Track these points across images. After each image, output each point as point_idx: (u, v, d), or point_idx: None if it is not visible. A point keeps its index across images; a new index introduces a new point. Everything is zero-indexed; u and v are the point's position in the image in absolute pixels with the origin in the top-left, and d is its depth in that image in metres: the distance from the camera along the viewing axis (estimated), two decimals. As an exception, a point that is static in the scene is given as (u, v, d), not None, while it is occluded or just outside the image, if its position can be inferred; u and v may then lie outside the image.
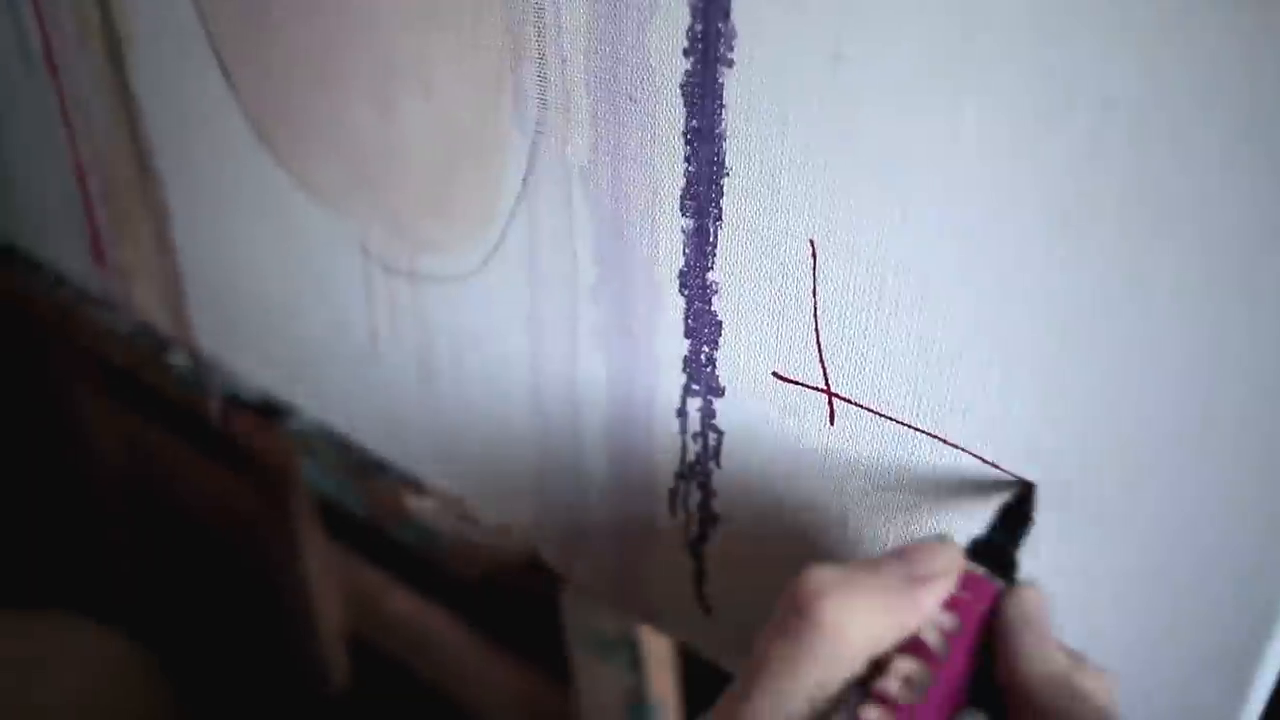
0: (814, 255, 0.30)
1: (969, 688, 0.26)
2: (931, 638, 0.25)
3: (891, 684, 0.24)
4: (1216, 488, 0.26)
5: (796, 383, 0.32)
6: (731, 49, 0.29)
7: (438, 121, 0.38)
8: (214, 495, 0.78)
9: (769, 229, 0.31)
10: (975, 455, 0.30)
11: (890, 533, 0.33)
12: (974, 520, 0.30)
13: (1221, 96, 0.23)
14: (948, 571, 0.26)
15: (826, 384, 0.32)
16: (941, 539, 0.27)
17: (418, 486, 0.46)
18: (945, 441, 0.30)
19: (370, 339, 0.45)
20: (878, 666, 0.25)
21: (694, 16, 0.29)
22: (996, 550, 0.28)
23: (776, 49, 0.28)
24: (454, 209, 0.39)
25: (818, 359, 0.31)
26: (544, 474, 0.42)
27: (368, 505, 0.48)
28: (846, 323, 0.30)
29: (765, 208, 0.30)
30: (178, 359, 0.56)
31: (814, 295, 0.31)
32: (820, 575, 0.25)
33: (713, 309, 0.33)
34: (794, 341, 0.32)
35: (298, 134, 0.44)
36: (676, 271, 0.34)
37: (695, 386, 0.35)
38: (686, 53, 0.30)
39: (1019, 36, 0.24)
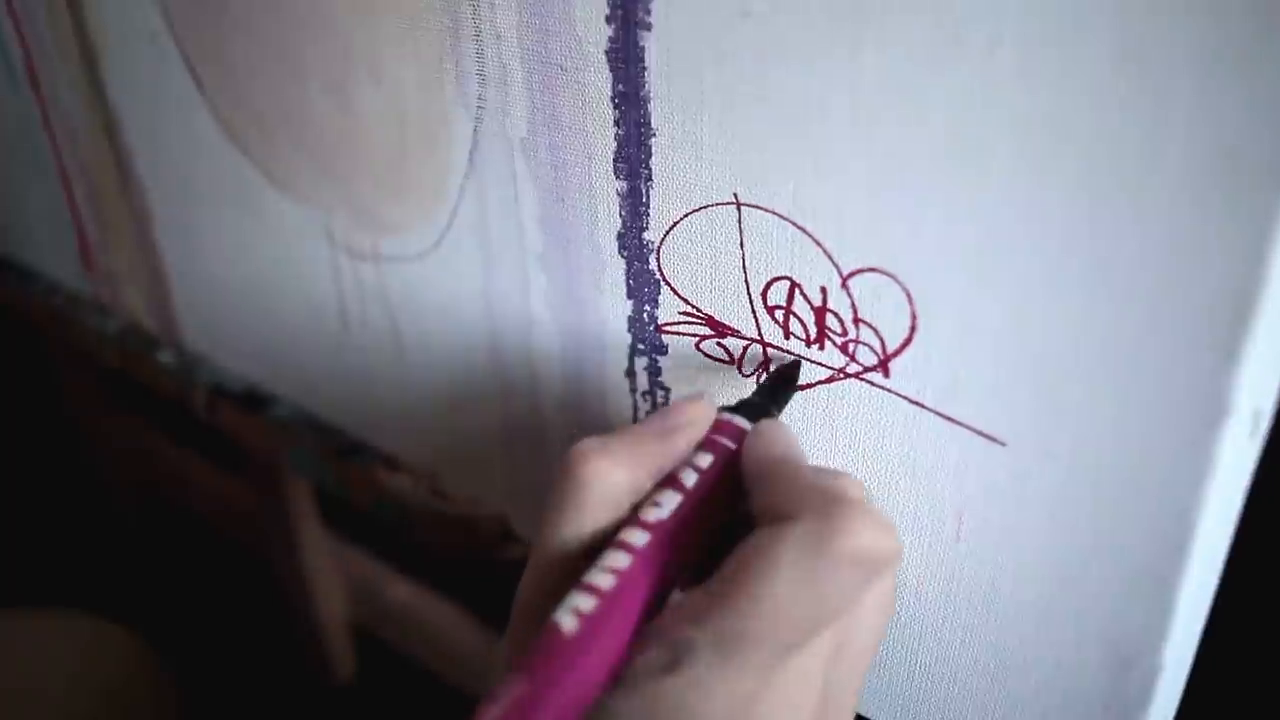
0: (738, 207, 0.31)
1: (727, 516, 0.29)
2: (685, 474, 0.28)
3: (648, 511, 0.27)
4: (1125, 407, 0.27)
5: (733, 333, 0.33)
6: (649, 13, 0.30)
7: (389, 106, 0.39)
8: (212, 490, 0.79)
9: (696, 185, 0.32)
10: (898, 394, 0.31)
11: (824, 461, 0.34)
12: (898, 448, 0.31)
13: (1097, 30, 0.24)
14: (698, 420, 0.29)
15: (759, 333, 0.33)
16: (698, 396, 0.30)
17: (391, 463, 0.48)
18: (871, 384, 0.31)
19: (340, 323, 0.47)
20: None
21: (613, -17, 0.30)
22: (759, 408, 0.30)
23: (690, 9, 0.29)
24: (409, 190, 0.41)
25: (749, 308, 0.32)
26: (509, 444, 0.43)
27: (344, 484, 0.49)
28: (772, 271, 0.31)
29: (691, 165, 0.32)
30: (165, 356, 0.57)
31: (741, 246, 0.32)
32: (584, 442, 0.28)
33: (651, 268, 0.34)
34: (727, 293, 0.33)
35: (263, 130, 0.45)
36: (615, 234, 0.35)
37: (641, 346, 0.36)
38: (609, 19, 0.31)
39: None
